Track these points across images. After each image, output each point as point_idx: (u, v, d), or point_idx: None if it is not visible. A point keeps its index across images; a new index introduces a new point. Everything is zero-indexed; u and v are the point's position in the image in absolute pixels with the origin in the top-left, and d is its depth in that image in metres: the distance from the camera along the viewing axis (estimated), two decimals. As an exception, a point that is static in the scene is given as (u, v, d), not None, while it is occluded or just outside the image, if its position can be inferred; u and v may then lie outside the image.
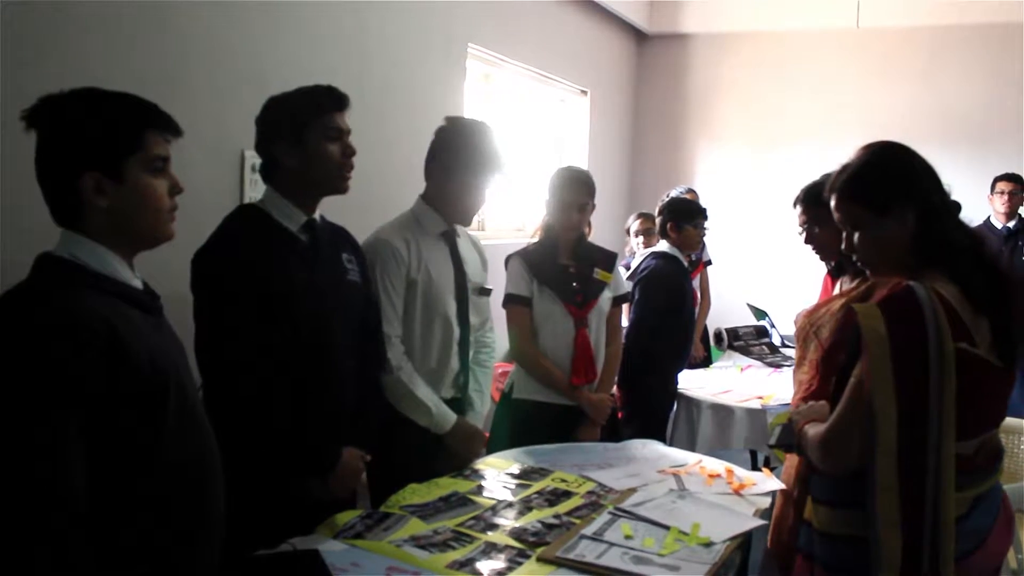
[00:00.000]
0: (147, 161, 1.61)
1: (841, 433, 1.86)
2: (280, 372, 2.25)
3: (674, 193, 5.17)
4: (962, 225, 1.97)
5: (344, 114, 2.41)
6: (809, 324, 2.61)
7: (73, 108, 1.58)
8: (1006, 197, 6.02)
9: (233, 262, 2.24)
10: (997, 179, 6.10)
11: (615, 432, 3.42)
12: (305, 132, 2.33)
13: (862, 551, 1.82)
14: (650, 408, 4.08)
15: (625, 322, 3.96)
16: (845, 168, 2.02)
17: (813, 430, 1.95)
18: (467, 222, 2.92)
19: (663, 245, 4.30)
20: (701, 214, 4.42)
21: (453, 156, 2.80)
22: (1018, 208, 6.08)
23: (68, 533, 1.40)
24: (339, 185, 2.41)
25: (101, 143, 1.57)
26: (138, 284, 1.65)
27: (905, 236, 1.92)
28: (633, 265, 4.44)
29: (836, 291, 2.68)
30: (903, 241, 1.93)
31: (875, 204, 1.94)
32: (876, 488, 1.78)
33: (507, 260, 3.41)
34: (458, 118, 2.89)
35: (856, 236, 1.99)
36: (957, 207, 1.98)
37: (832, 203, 2.04)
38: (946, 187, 1.98)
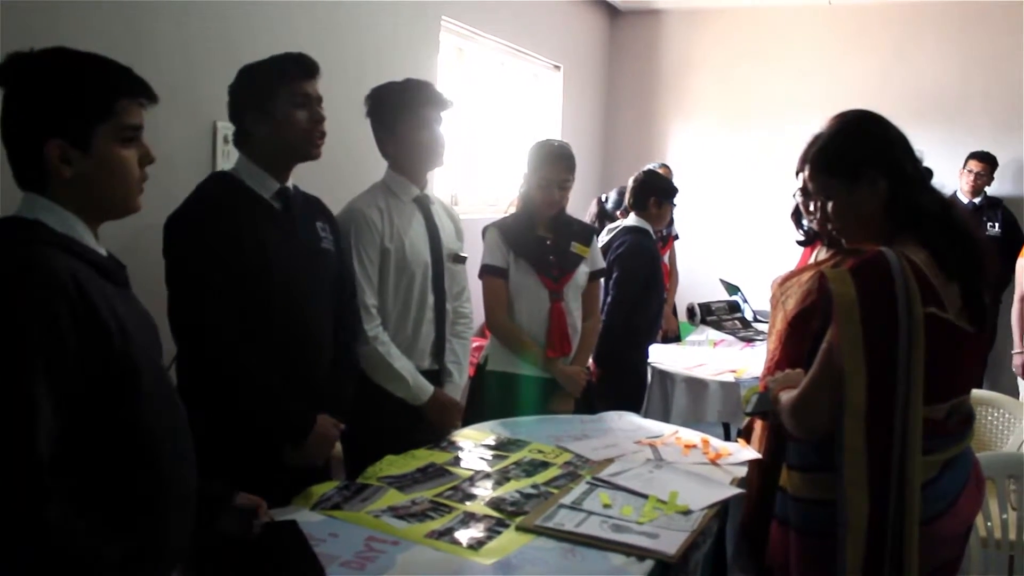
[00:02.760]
0: (117, 130, 1.52)
1: (811, 397, 1.88)
2: (254, 338, 2.24)
3: (649, 168, 5.09)
4: (933, 191, 2.00)
5: (313, 81, 2.38)
6: (780, 293, 2.62)
7: (41, 69, 1.50)
8: (972, 177, 6.05)
9: (206, 227, 2.22)
10: (970, 156, 6.11)
11: (590, 405, 3.43)
12: (272, 100, 2.32)
13: (833, 514, 1.85)
14: (631, 382, 4.08)
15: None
16: (817, 138, 2.05)
17: (785, 396, 1.97)
18: (436, 163, 2.89)
19: (633, 219, 4.27)
20: (676, 191, 4.44)
21: (386, 113, 2.80)
22: (983, 188, 6.12)
23: (43, 473, 1.36)
24: (309, 151, 2.39)
25: (68, 110, 1.49)
26: (103, 252, 1.58)
27: (876, 203, 1.95)
28: (603, 241, 4.35)
29: (811, 261, 2.69)
30: (875, 208, 1.95)
31: (845, 172, 1.97)
32: (844, 450, 1.80)
33: (484, 231, 3.39)
34: (375, 88, 2.87)
35: (829, 205, 2.01)
36: (929, 174, 2.01)
37: (806, 173, 2.06)
38: (918, 154, 2.00)
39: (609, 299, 4.04)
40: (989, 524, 2.94)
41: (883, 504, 1.80)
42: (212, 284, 2.19)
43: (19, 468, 1.34)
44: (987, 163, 6.08)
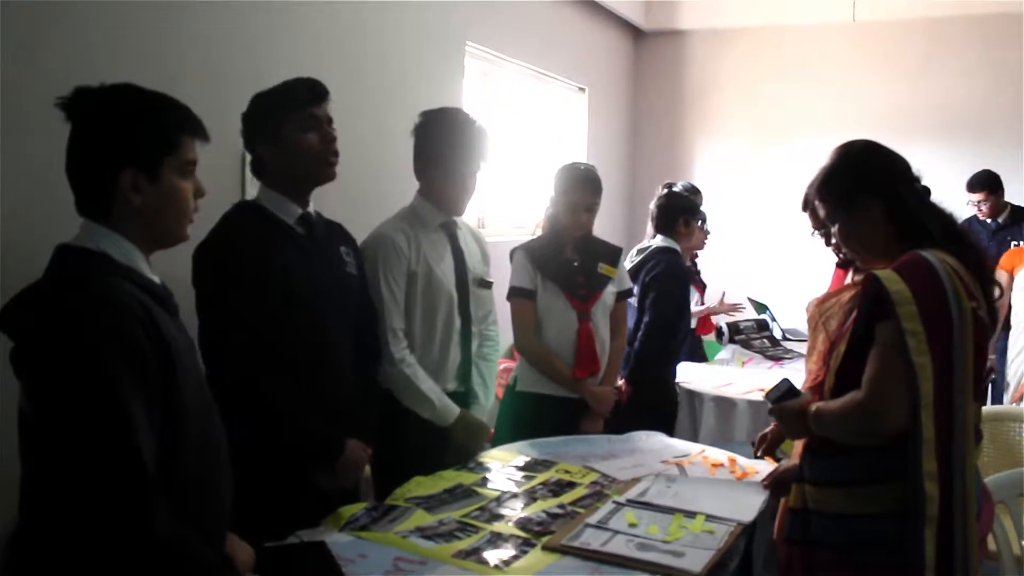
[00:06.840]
0: (180, 164, 1.64)
1: (886, 397, 1.87)
2: (281, 365, 2.27)
3: (678, 187, 5.03)
4: (932, 206, 2.08)
5: (324, 104, 2.41)
6: (819, 314, 2.63)
7: (114, 104, 1.61)
8: (976, 208, 5.71)
9: (233, 256, 2.26)
10: (967, 187, 5.70)
11: (618, 425, 3.43)
12: (283, 127, 2.35)
13: (880, 527, 1.91)
14: (664, 401, 4.05)
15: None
16: (819, 173, 2.18)
17: (835, 403, 1.97)
18: (459, 212, 2.93)
19: (661, 240, 4.23)
20: (700, 206, 4.43)
21: (431, 151, 2.83)
22: (998, 210, 5.74)
23: (150, 485, 1.45)
24: (324, 173, 2.42)
25: (145, 142, 1.60)
26: (158, 281, 1.68)
27: (875, 225, 2.05)
28: (633, 262, 4.34)
29: (848, 281, 2.71)
30: (876, 229, 2.05)
31: (840, 200, 2.09)
32: (920, 441, 1.83)
33: (512, 253, 3.43)
34: (431, 112, 2.88)
35: (835, 231, 2.13)
36: (927, 192, 2.10)
37: (816, 204, 2.19)
38: (916, 173, 2.10)
39: (646, 319, 3.97)
40: None
41: (949, 496, 1.84)
42: (239, 313, 2.22)
43: (125, 477, 1.43)
44: (984, 189, 5.67)
